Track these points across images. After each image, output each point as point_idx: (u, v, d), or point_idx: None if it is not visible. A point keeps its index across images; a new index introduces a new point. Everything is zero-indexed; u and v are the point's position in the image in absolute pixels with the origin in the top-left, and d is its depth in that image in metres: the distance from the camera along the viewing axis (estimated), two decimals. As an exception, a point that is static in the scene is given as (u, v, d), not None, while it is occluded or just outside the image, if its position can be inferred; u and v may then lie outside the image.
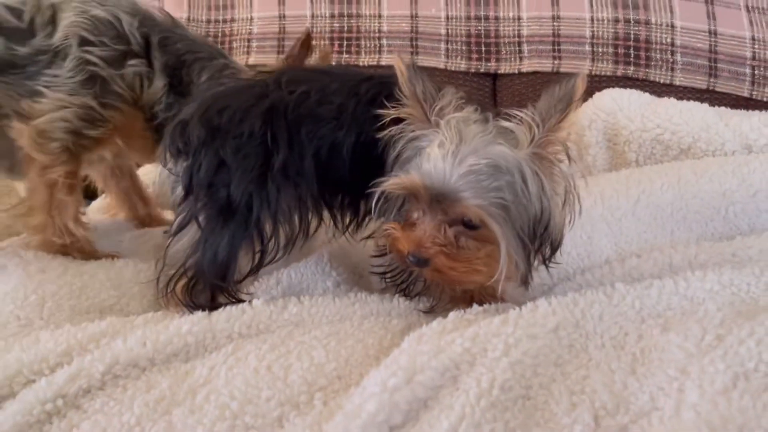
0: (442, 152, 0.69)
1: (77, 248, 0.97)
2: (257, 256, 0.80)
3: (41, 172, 0.92)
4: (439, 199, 0.70)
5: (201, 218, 0.78)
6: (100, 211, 1.25)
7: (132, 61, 0.92)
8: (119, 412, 0.63)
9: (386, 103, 0.76)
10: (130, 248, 1.07)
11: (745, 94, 1.29)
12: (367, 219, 0.86)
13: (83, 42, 0.90)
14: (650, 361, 0.63)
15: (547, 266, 0.76)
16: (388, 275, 0.85)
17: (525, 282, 0.74)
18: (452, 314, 0.74)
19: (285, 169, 0.78)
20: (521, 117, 0.70)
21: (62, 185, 0.93)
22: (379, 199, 0.74)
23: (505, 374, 0.61)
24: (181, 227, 0.79)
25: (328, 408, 0.62)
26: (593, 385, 0.61)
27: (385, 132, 0.75)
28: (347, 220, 0.86)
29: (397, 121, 0.75)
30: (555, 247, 0.74)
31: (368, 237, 0.87)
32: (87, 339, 0.72)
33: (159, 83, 0.93)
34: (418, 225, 0.72)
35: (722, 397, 0.55)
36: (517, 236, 0.70)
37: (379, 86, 0.80)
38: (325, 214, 0.84)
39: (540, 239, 0.72)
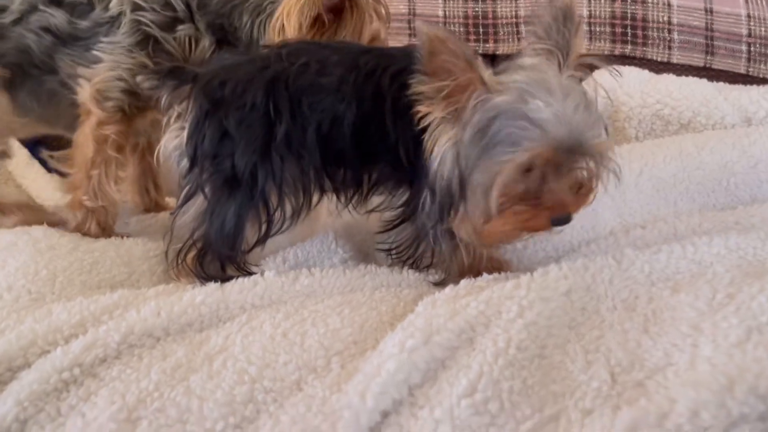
0: (550, 107, 0.67)
1: (98, 219, 0.99)
2: (264, 226, 0.80)
3: (95, 128, 0.97)
4: (571, 151, 0.69)
5: (207, 189, 0.78)
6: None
7: (181, 26, 0.97)
8: (137, 379, 0.64)
9: (385, 77, 0.77)
10: (138, 229, 1.07)
11: (742, 71, 1.30)
12: (371, 193, 0.86)
13: (136, 7, 0.96)
14: (662, 320, 0.64)
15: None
16: (394, 251, 0.85)
17: None
18: (464, 281, 0.74)
19: (288, 140, 0.78)
20: (545, 49, 0.71)
21: (112, 142, 0.98)
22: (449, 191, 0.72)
23: (520, 335, 0.62)
24: (188, 198, 0.80)
25: (345, 371, 0.63)
26: (608, 344, 0.61)
27: (428, 121, 0.71)
28: (350, 194, 0.86)
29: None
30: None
31: (372, 210, 0.87)
32: (100, 311, 0.72)
33: (206, 42, 0.97)
34: (549, 188, 0.70)
35: (737, 349, 0.56)
36: None
37: (378, 59, 0.81)
38: (329, 185, 0.84)
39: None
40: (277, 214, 0.81)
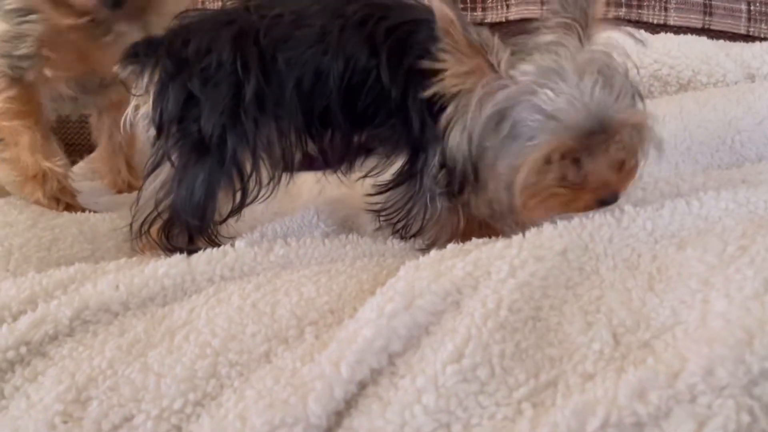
0: (562, 94, 0.64)
1: (44, 190, 0.93)
2: (238, 194, 0.74)
3: None
4: (597, 132, 0.65)
5: (174, 156, 0.73)
6: (80, 176, 1.19)
7: None
8: (89, 356, 0.58)
9: (380, 30, 0.72)
10: (107, 208, 1.00)
11: (742, 31, 1.24)
12: (365, 157, 0.80)
13: None
14: (668, 277, 0.58)
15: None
16: (384, 213, 0.79)
17: None
18: (450, 245, 0.68)
19: (260, 100, 0.73)
20: (563, 23, 0.67)
21: (8, 111, 0.91)
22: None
23: (512, 295, 0.56)
24: (154, 167, 0.74)
25: (320, 341, 0.57)
26: (609, 304, 0.56)
27: (434, 89, 0.68)
28: (339, 157, 0.80)
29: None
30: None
31: (365, 176, 0.81)
32: (53, 285, 0.65)
33: None
34: (587, 172, 0.67)
35: (754, 301, 0.50)
36: None
37: (370, 8, 0.75)
38: (313, 148, 0.78)
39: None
40: (252, 182, 0.75)
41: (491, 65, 0.65)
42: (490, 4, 1.37)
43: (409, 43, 0.72)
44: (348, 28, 0.73)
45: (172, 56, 0.73)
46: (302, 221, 0.89)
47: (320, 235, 0.86)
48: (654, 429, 0.44)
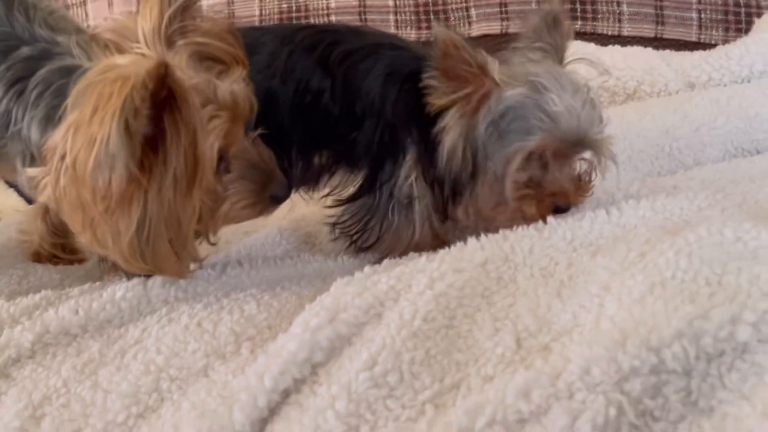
0: (564, 101, 0.70)
1: None
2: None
3: None
4: (577, 143, 0.73)
5: None
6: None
7: None
8: (46, 376, 0.63)
9: (334, 54, 0.78)
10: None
11: (693, 39, 1.29)
12: (326, 176, 0.85)
13: None
14: (575, 284, 0.62)
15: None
16: (340, 225, 0.84)
17: None
18: (386, 261, 0.73)
19: None
20: (541, 46, 0.75)
21: None
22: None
23: (428, 306, 0.60)
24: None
25: (254, 355, 0.62)
26: (517, 311, 0.60)
27: (444, 122, 0.74)
28: (301, 176, 0.85)
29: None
30: None
31: (328, 195, 0.86)
32: (19, 312, 0.71)
33: None
34: (551, 178, 0.74)
35: (638, 305, 0.54)
36: None
37: (320, 34, 0.80)
38: None
39: None
40: None
41: (494, 81, 0.72)
42: (452, 22, 1.42)
43: (366, 66, 0.78)
44: (296, 53, 0.79)
45: None
46: (265, 240, 0.93)
47: (279, 254, 0.91)
48: (535, 425, 0.48)
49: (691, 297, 0.53)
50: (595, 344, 0.51)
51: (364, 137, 0.80)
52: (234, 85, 0.66)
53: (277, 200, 0.73)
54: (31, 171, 0.66)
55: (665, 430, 0.47)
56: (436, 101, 0.73)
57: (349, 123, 0.80)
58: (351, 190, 0.84)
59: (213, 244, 0.74)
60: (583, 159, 0.77)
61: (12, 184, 1.29)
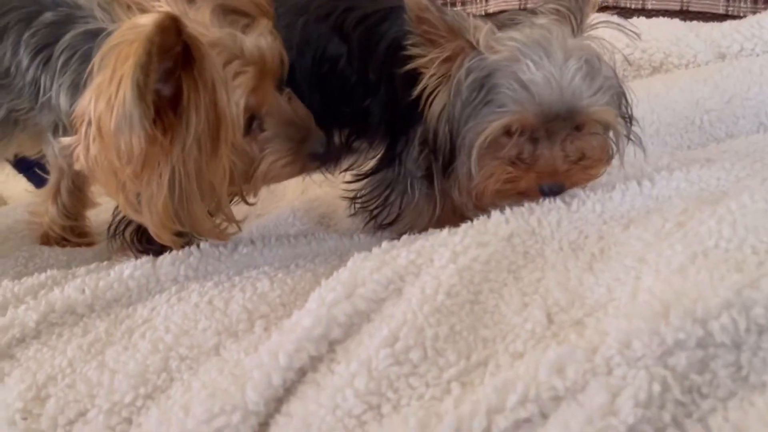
0: (544, 69, 0.64)
1: None
2: None
3: None
4: (564, 118, 0.65)
5: None
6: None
7: None
8: (51, 356, 0.60)
9: (348, 20, 0.74)
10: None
11: (721, 11, 1.23)
12: (344, 152, 0.81)
13: None
14: (608, 257, 0.59)
15: (631, 141, 0.73)
16: (360, 200, 0.80)
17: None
18: (405, 236, 0.70)
19: None
20: (556, 9, 0.69)
21: None
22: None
23: (451, 280, 0.57)
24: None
25: (267, 333, 0.59)
26: (547, 285, 0.57)
27: (422, 85, 0.69)
28: None
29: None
30: (631, 117, 0.73)
31: (346, 170, 0.83)
32: (24, 292, 0.69)
33: None
34: (539, 154, 0.67)
35: (678, 275, 0.51)
36: (621, 117, 0.69)
37: (335, 1, 0.77)
38: None
39: (625, 112, 0.71)
40: None
41: (471, 44, 0.66)
42: (469, -2, 1.38)
43: (381, 30, 0.74)
44: (312, 22, 0.76)
45: None
46: (278, 220, 0.90)
47: (293, 233, 0.87)
48: (571, 402, 0.45)
49: (738, 266, 0.49)
50: (635, 317, 0.47)
51: (378, 104, 0.77)
52: (260, 39, 0.63)
53: (316, 157, 0.70)
54: (65, 140, 0.63)
55: (714, 408, 0.43)
56: (421, 68, 0.68)
57: (364, 89, 0.76)
58: (371, 164, 0.81)
59: (251, 205, 0.73)
60: (583, 136, 0.68)
61: (22, 169, 1.27)
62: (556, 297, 0.55)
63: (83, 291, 0.67)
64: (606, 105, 0.67)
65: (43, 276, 0.71)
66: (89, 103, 0.56)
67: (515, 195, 0.70)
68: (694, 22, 1.13)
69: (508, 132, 0.66)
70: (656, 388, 0.43)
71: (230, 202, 0.69)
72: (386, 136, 0.78)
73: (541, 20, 0.70)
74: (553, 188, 0.68)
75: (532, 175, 0.67)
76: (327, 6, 0.77)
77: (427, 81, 0.69)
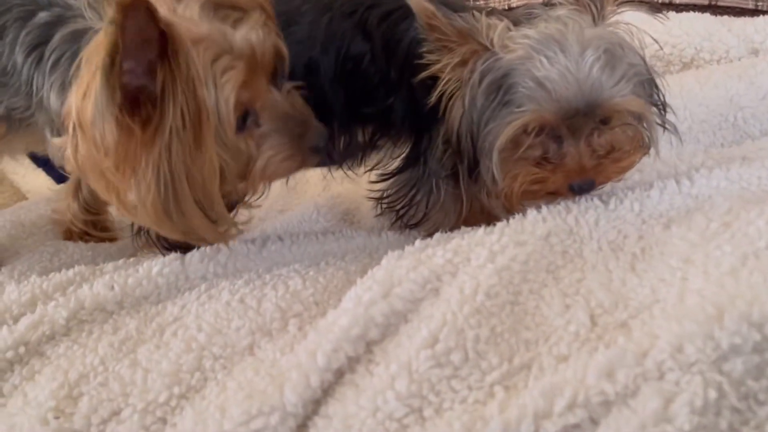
0: (559, 64, 0.61)
1: None
2: None
3: None
4: (585, 113, 0.63)
5: None
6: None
7: None
8: (82, 354, 0.59)
9: (372, 17, 0.73)
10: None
11: (750, 6, 1.20)
12: (368, 151, 0.80)
13: None
14: (651, 257, 0.58)
15: (666, 129, 0.71)
16: (386, 200, 0.79)
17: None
18: (437, 234, 0.68)
19: None
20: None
21: None
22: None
23: (490, 280, 0.56)
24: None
25: (302, 332, 0.58)
26: (589, 286, 0.55)
27: (440, 90, 0.67)
28: (341, 150, 0.80)
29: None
30: (665, 105, 0.71)
31: (371, 170, 0.82)
32: (53, 288, 0.68)
33: None
34: (565, 152, 0.64)
35: (729, 277, 0.49)
36: (653, 104, 0.67)
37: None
38: None
39: (657, 99, 0.69)
40: None
41: (483, 46, 0.64)
42: (492, -7, 1.36)
43: (402, 29, 0.73)
44: (336, 20, 0.74)
45: None
46: (302, 218, 0.90)
47: (319, 230, 0.87)
48: (621, 407, 0.43)
49: (792, 268, 0.48)
50: (686, 320, 0.46)
51: (401, 103, 0.75)
52: (251, 33, 0.61)
53: (316, 150, 0.68)
54: (57, 141, 0.63)
55: (772, 415, 0.42)
56: (438, 72, 0.67)
57: (388, 87, 0.75)
58: (396, 163, 0.80)
59: (253, 206, 0.71)
60: (610, 129, 0.66)
61: (41, 163, 1.27)
62: (599, 298, 0.53)
63: (112, 288, 0.66)
64: (631, 94, 0.64)
65: (71, 272, 0.70)
66: (75, 101, 0.56)
67: (546, 195, 0.68)
68: (725, 17, 1.11)
69: (527, 132, 0.64)
70: (712, 394, 0.42)
71: (228, 202, 0.67)
72: (411, 135, 0.77)
73: (558, 12, 0.67)
74: (584, 185, 0.66)
75: (560, 175, 0.65)
76: (351, 3, 0.75)
77: (444, 86, 0.67)
